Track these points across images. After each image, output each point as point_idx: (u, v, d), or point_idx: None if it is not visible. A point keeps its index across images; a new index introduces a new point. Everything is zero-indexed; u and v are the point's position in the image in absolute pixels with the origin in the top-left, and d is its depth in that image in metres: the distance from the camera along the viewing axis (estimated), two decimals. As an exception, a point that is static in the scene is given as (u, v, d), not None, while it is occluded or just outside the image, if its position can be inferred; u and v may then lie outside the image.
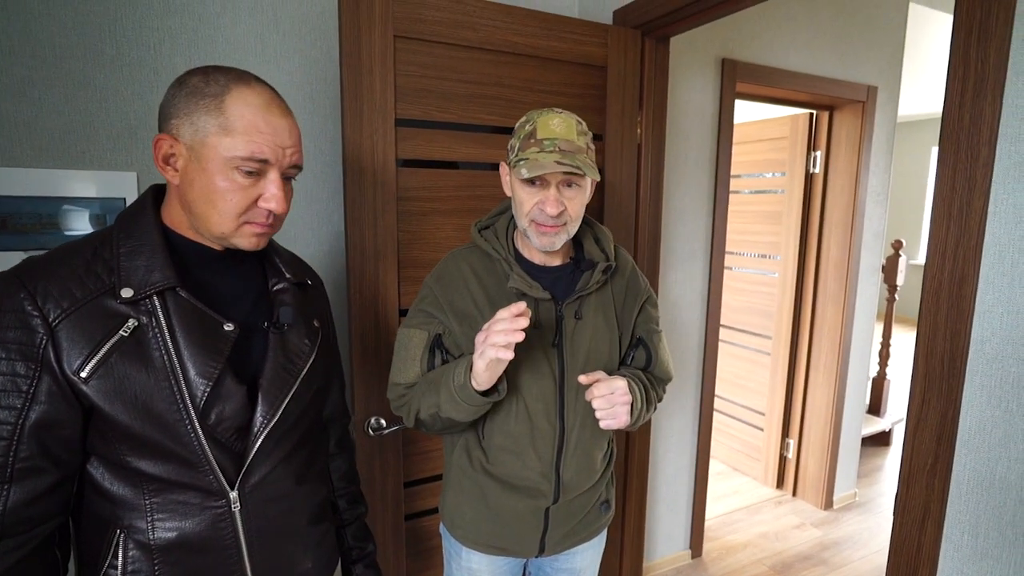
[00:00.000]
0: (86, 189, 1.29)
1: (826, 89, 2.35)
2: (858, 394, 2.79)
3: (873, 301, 2.74)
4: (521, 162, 0.93)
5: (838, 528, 2.64)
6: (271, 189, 0.74)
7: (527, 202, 0.96)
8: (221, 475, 0.75)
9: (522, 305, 0.85)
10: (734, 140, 2.99)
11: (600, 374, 0.99)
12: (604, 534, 1.21)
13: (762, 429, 3.00)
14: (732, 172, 3.01)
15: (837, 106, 2.56)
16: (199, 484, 0.74)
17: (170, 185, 0.75)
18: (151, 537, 0.72)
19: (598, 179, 0.96)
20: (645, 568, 2.26)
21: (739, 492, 2.95)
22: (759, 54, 2.18)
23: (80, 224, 1.30)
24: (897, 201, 7.15)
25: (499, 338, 0.84)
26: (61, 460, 0.68)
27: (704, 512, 2.40)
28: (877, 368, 3.50)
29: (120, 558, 0.72)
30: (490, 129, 1.38)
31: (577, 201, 0.98)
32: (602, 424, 0.97)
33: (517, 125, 1.00)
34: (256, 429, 0.77)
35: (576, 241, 1.10)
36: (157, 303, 0.71)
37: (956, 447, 0.90)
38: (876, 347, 3.45)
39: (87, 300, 0.68)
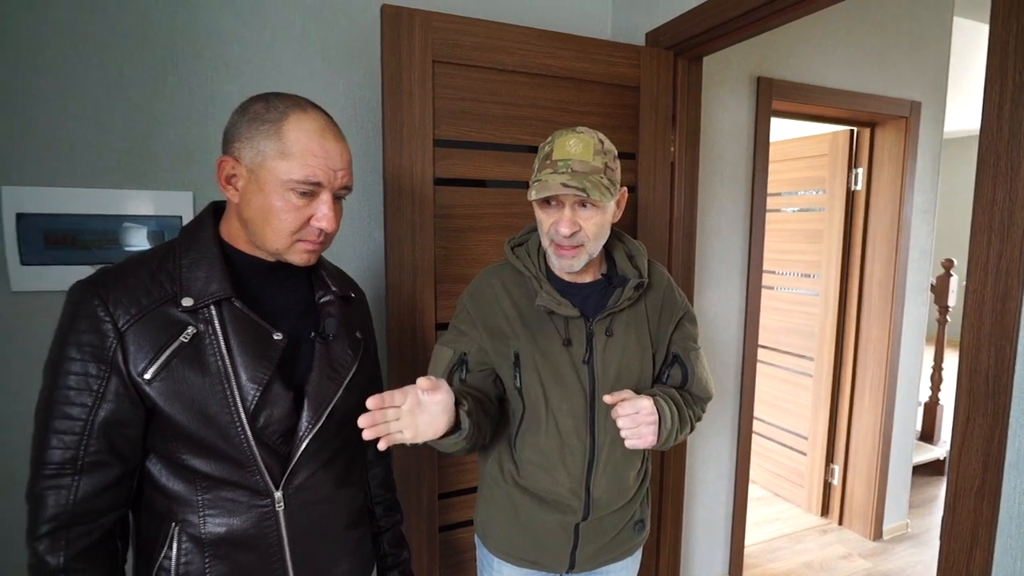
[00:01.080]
0: (145, 207, 1.38)
1: (867, 105, 2.31)
2: (908, 419, 2.67)
3: (922, 322, 2.64)
4: (535, 183, 0.95)
5: (889, 560, 2.52)
6: (323, 209, 0.79)
7: (545, 222, 0.98)
8: (267, 476, 0.79)
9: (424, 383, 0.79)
10: (772, 158, 2.97)
11: (627, 393, 0.98)
12: (639, 554, 1.20)
13: (804, 453, 2.90)
14: (770, 190, 2.99)
15: (879, 122, 2.51)
16: (247, 483, 0.78)
17: (229, 202, 0.81)
18: (202, 531, 0.77)
19: (610, 200, 0.95)
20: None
21: (781, 519, 2.85)
22: (796, 71, 2.17)
23: (138, 240, 1.39)
24: (947, 220, 6.87)
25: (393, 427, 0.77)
26: (125, 456, 0.74)
27: (743, 537, 2.33)
28: (929, 393, 3.34)
29: (174, 550, 0.76)
30: (525, 148, 1.43)
31: (593, 221, 0.96)
32: (627, 444, 0.96)
33: (541, 145, 1.01)
34: (301, 433, 0.81)
35: (609, 257, 1.10)
36: (214, 312, 0.76)
37: (1004, 469, 0.87)
38: (927, 371, 3.30)
39: (152, 308, 0.73)
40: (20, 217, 1.29)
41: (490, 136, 1.37)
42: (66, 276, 1.33)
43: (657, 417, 0.96)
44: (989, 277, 0.84)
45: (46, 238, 1.32)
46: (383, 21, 1.25)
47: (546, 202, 0.97)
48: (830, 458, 2.80)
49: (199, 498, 0.77)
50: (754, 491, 3.08)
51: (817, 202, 2.81)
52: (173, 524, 0.77)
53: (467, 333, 1.05)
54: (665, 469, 1.72)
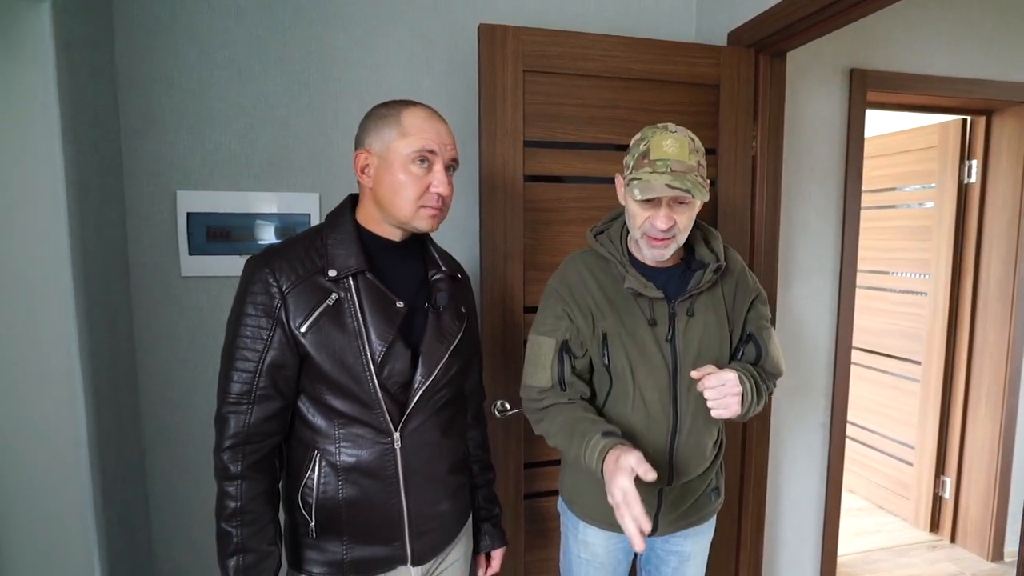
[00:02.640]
0: (279, 207, 1.64)
1: (979, 92, 2.18)
2: (1032, 430, 2.44)
3: (1049, 324, 2.41)
4: (635, 181, 1.02)
5: (1008, 582, 2.32)
6: (438, 176, 0.95)
7: (639, 216, 1.05)
8: (389, 418, 0.95)
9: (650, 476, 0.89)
10: (874, 153, 2.85)
11: (711, 367, 1.06)
12: (713, 521, 1.26)
13: (911, 464, 2.74)
14: (873, 186, 2.85)
15: (996, 109, 2.35)
16: (373, 423, 0.95)
17: (363, 190, 0.99)
18: (338, 460, 0.95)
19: (707, 199, 1.03)
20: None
21: (883, 531, 2.70)
22: (893, 60, 2.10)
23: (267, 235, 1.63)
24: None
25: (626, 512, 0.89)
26: (284, 392, 0.93)
27: (836, 544, 2.25)
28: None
29: (316, 472, 0.95)
30: (606, 147, 1.53)
31: (686, 216, 1.05)
32: (713, 413, 1.04)
33: (632, 142, 1.09)
34: (416, 385, 0.97)
35: (687, 242, 1.17)
36: (351, 282, 0.94)
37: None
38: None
39: (306, 277, 0.92)
40: (189, 216, 1.59)
41: (574, 136, 1.49)
42: (220, 265, 1.61)
43: (741, 388, 1.03)
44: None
45: (207, 233, 1.61)
46: (480, 38, 1.41)
47: (645, 199, 1.03)
48: (940, 470, 2.62)
49: (336, 432, 0.95)
50: (855, 501, 2.93)
51: (925, 197, 2.66)
52: (316, 452, 0.95)
53: (563, 318, 1.12)
54: (746, 457, 1.74)
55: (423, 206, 0.96)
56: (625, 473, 0.89)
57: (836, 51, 2.03)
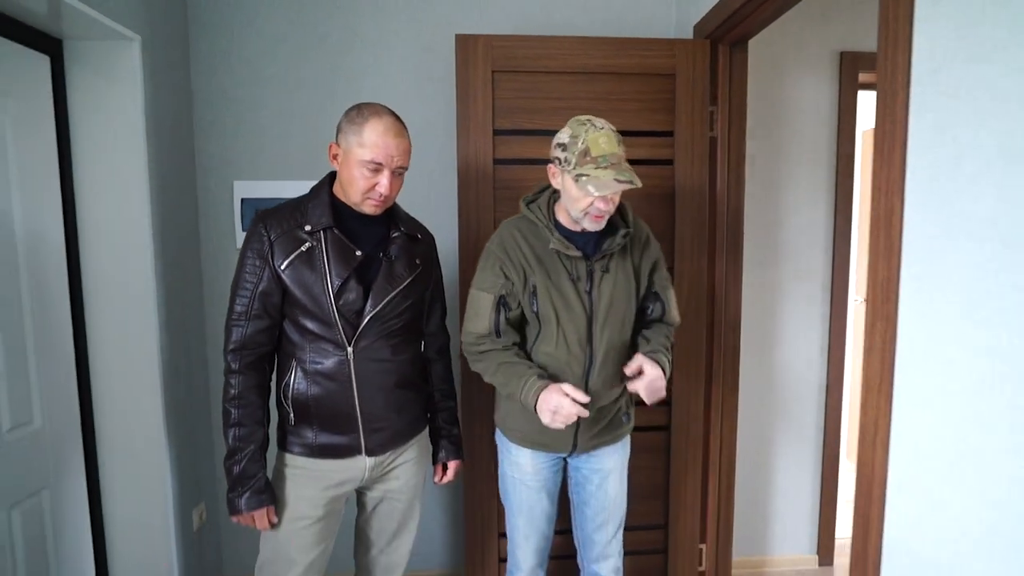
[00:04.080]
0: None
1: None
2: None
3: None
4: (584, 178, 1.20)
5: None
6: (383, 182, 1.24)
7: (584, 200, 1.25)
8: (344, 336, 1.27)
9: (583, 399, 1.23)
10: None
11: (638, 361, 1.30)
12: (627, 441, 1.49)
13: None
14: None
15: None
16: (333, 339, 1.27)
17: (333, 166, 1.31)
18: (308, 366, 1.28)
19: (640, 185, 1.22)
20: (764, 560, 2.28)
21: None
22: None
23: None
24: None
25: (560, 422, 1.22)
26: (271, 314, 1.27)
27: (834, 517, 2.29)
28: None
29: (293, 376, 1.28)
30: (570, 133, 1.76)
31: (619, 196, 1.30)
32: (649, 402, 1.31)
33: (567, 138, 1.26)
34: (366, 313, 1.28)
35: None
36: (322, 235, 1.27)
37: None
38: None
39: (289, 230, 1.26)
40: (243, 200, 2.01)
41: (539, 124, 1.73)
42: (267, 239, 2.03)
43: (665, 377, 1.31)
44: None
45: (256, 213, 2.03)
46: (456, 46, 1.71)
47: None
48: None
49: (307, 345, 1.28)
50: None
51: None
52: (294, 361, 1.29)
53: (500, 276, 1.34)
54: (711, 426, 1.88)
55: (368, 198, 1.26)
56: (559, 391, 1.22)
57: (824, 35, 2.11)
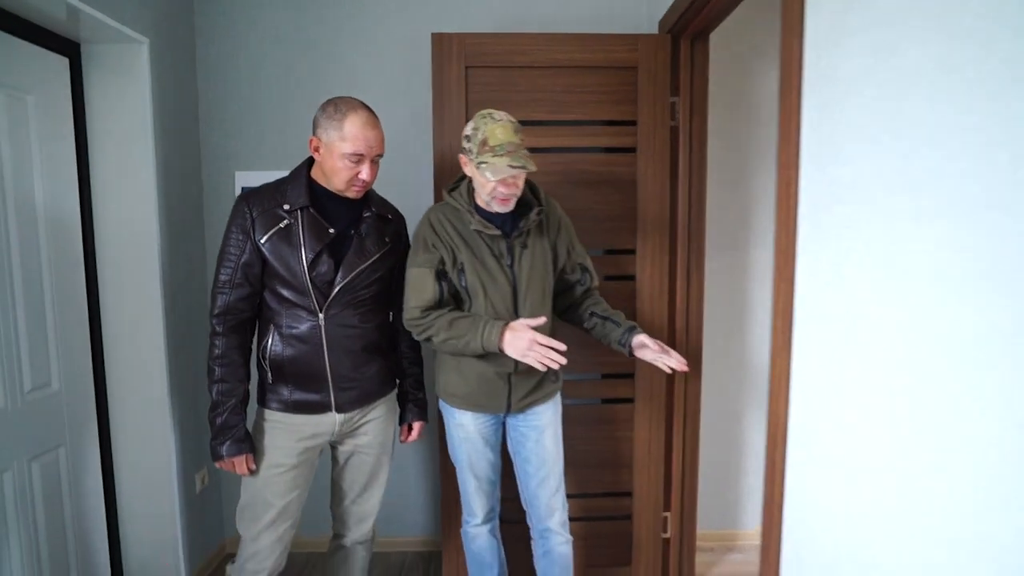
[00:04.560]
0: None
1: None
2: None
3: None
4: (483, 165, 1.35)
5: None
6: (364, 170, 1.40)
7: (488, 186, 1.40)
8: (316, 304, 1.42)
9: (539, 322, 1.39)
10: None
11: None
12: (557, 399, 1.63)
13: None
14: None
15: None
16: (306, 306, 1.42)
17: (316, 157, 1.45)
18: (284, 330, 1.43)
19: (535, 169, 1.36)
20: (735, 534, 2.36)
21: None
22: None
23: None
24: None
25: (535, 357, 1.34)
26: (252, 283, 1.42)
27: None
28: None
29: (271, 339, 1.43)
30: (537, 123, 1.88)
31: (522, 179, 1.42)
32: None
33: (471, 131, 1.40)
34: (336, 284, 1.42)
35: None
36: (299, 214, 1.42)
37: None
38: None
39: (269, 208, 1.41)
40: (243, 189, 2.18)
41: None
42: (266, 225, 2.20)
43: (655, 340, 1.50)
44: None
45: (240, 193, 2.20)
46: (432, 43, 1.85)
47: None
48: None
49: (284, 311, 1.43)
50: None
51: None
52: (272, 325, 1.44)
53: (434, 252, 1.46)
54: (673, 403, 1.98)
55: (352, 186, 1.42)
56: (524, 327, 1.38)
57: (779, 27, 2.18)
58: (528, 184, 1.54)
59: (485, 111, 1.43)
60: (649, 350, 1.49)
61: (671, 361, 1.46)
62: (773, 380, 1.16)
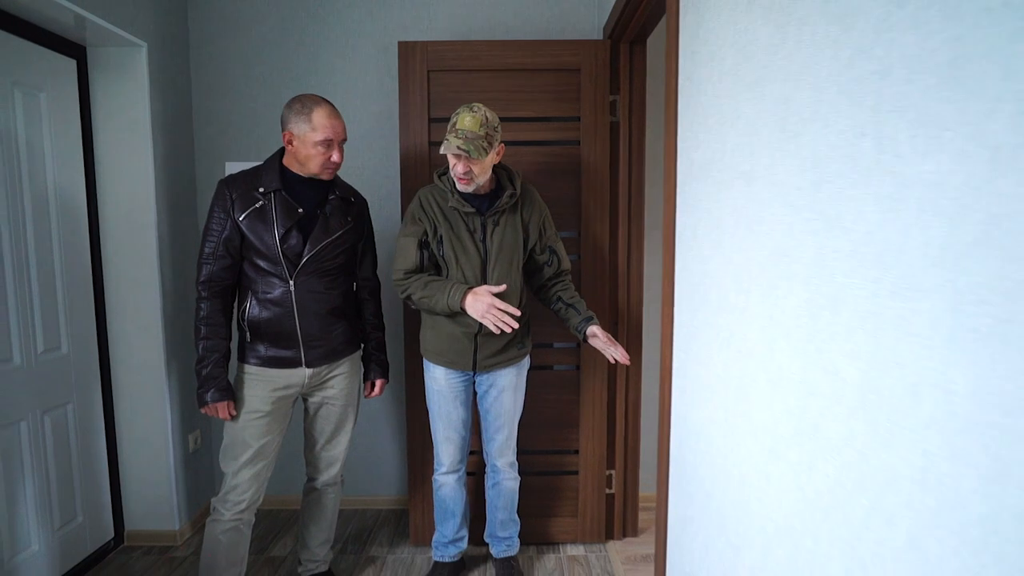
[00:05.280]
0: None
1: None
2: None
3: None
4: (444, 142, 1.61)
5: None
6: (335, 154, 1.64)
7: (451, 164, 1.66)
8: (287, 273, 1.65)
9: (513, 309, 1.60)
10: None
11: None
12: (523, 364, 1.86)
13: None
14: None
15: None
16: (279, 275, 1.65)
17: (289, 149, 1.68)
18: (260, 295, 1.66)
19: (485, 156, 1.58)
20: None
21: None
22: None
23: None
24: None
25: (491, 319, 1.57)
26: (232, 255, 1.66)
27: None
28: None
29: (249, 303, 1.67)
30: (494, 120, 2.11)
31: (478, 166, 1.63)
32: (615, 357, 1.67)
33: (454, 116, 1.62)
34: (304, 255, 1.66)
35: (498, 179, 1.77)
36: (272, 196, 1.65)
37: None
38: None
39: (247, 191, 1.65)
40: (233, 179, 2.42)
41: (466, 112, 2.09)
42: (253, 211, 2.44)
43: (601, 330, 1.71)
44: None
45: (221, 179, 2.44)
46: (399, 50, 2.08)
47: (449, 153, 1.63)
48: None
49: (260, 279, 1.66)
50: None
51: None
52: (250, 292, 1.68)
53: (419, 225, 1.75)
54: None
55: (326, 168, 1.65)
56: (485, 291, 1.60)
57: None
58: (507, 171, 1.78)
59: (473, 103, 1.65)
60: (599, 340, 1.71)
61: (616, 353, 1.68)
62: (663, 328, 1.39)
